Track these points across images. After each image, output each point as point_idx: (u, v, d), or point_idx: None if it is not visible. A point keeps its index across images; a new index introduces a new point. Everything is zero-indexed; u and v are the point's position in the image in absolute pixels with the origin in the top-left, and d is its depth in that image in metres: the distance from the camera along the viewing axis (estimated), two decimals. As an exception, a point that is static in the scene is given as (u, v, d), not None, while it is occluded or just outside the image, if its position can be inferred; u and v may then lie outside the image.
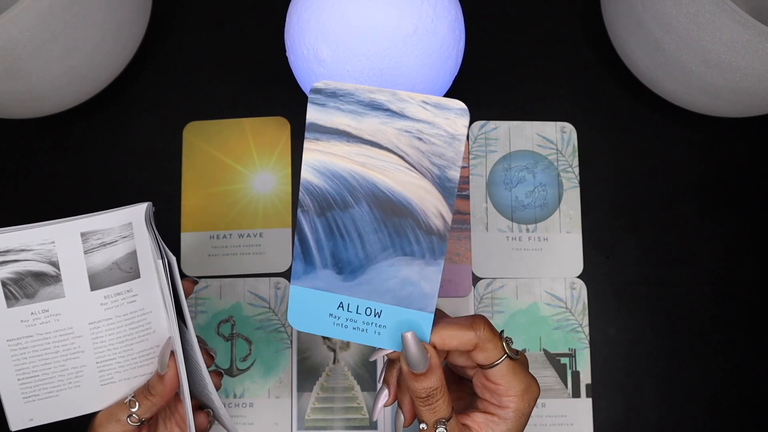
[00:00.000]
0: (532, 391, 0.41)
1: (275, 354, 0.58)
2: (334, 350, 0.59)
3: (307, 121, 0.38)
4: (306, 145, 0.38)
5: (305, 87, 0.53)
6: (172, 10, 0.63)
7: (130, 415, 0.45)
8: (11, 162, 0.62)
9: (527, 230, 0.60)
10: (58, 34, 0.49)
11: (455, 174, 0.38)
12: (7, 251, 0.41)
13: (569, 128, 0.61)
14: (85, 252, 0.42)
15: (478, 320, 0.40)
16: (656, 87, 0.58)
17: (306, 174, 0.39)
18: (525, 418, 0.41)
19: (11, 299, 0.42)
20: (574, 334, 0.59)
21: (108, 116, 0.62)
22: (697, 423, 0.58)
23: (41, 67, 0.51)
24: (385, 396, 0.44)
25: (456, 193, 0.38)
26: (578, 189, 0.60)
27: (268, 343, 0.59)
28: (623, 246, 0.60)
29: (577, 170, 0.61)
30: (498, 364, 0.40)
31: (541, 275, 0.59)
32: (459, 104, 0.37)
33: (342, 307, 0.40)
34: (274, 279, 0.59)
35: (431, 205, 0.38)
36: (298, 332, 0.59)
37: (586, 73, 0.62)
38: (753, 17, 0.48)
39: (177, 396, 0.46)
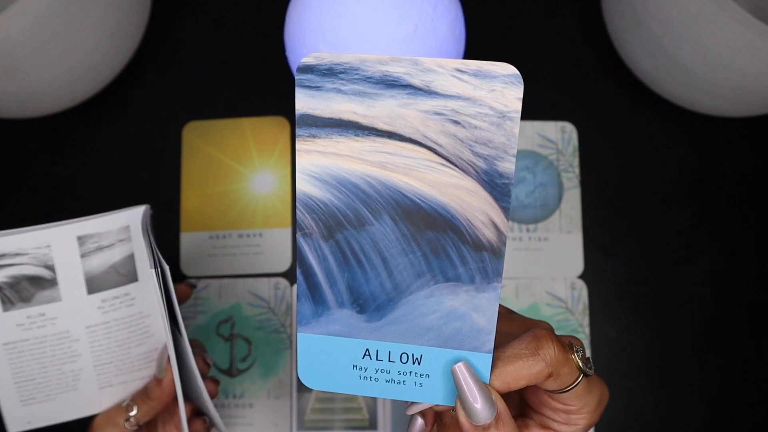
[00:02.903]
0: (604, 400, 0.34)
1: (275, 354, 0.58)
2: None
3: (296, 112, 0.28)
4: (299, 145, 0.29)
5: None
6: (172, 9, 0.63)
7: (127, 419, 0.44)
8: (9, 162, 0.62)
9: (527, 230, 0.60)
10: (57, 34, 0.49)
11: (509, 166, 0.28)
12: (3, 255, 0.41)
13: (570, 128, 0.61)
14: (82, 256, 0.42)
15: (543, 340, 0.31)
16: (657, 87, 0.58)
17: (303, 185, 0.29)
18: (591, 427, 0.34)
19: (7, 303, 0.42)
20: (575, 335, 0.58)
21: (107, 116, 0.62)
22: (697, 423, 0.58)
23: (40, 66, 0.51)
24: (419, 427, 0.35)
25: (511, 191, 0.28)
26: (579, 189, 0.60)
27: (268, 344, 0.59)
28: (623, 246, 0.60)
29: (577, 170, 0.61)
30: (573, 387, 0.32)
31: (542, 275, 0.59)
32: (508, 68, 0.27)
33: (369, 355, 0.31)
34: (273, 279, 0.59)
35: (478, 210, 0.29)
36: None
37: (586, 73, 0.62)
38: (754, 17, 0.48)
39: (175, 400, 0.46)
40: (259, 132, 0.61)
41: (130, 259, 0.43)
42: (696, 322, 0.59)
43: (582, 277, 0.59)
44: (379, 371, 0.31)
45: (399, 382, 0.31)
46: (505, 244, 0.29)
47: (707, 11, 0.47)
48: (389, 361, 0.31)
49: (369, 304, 0.31)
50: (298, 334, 0.31)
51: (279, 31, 0.55)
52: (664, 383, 0.59)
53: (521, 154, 0.61)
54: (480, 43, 0.59)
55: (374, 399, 0.58)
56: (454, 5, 0.50)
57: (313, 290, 0.31)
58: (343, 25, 0.47)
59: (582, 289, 0.59)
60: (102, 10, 0.52)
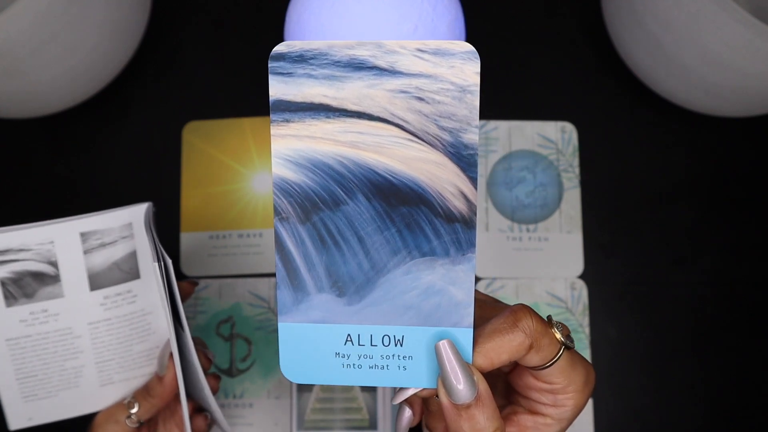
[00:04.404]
0: (591, 380, 0.33)
1: (275, 354, 0.58)
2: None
3: (270, 98, 0.29)
4: (273, 130, 0.29)
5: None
6: (172, 9, 0.63)
7: (129, 416, 0.44)
8: (10, 162, 0.62)
9: (527, 230, 0.60)
10: (57, 34, 0.49)
11: (473, 137, 0.29)
12: (6, 251, 0.41)
13: (570, 128, 0.61)
14: (85, 252, 0.42)
15: (520, 313, 0.31)
16: (656, 87, 0.58)
17: (278, 169, 0.30)
18: (580, 411, 0.34)
19: (10, 299, 0.42)
20: (575, 335, 0.58)
21: (107, 116, 0.62)
22: (697, 423, 0.58)
23: (40, 66, 0.51)
24: (408, 417, 0.34)
25: (477, 161, 0.29)
26: (579, 189, 0.60)
27: (268, 344, 0.59)
28: (623, 246, 0.60)
29: (577, 170, 0.61)
30: (555, 361, 0.32)
31: (542, 275, 0.59)
32: (465, 46, 0.29)
33: (350, 340, 0.31)
34: (273, 279, 0.59)
35: (448, 183, 0.30)
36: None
37: (586, 73, 0.62)
38: (754, 17, 0.48)
39: (177, 397, 0.46)
40: (259, 132, 0.61)
41: (133, 256, 0.43)
42: (696, 322, 0.59)
43: (582, 277, 0.59)
44: (362, 357, 0.31)
45: (383, 367, 0.31)
46: (475, 214, 0.30)
47: (707, 11, 0.47)
48: (371, 345, 0.31)
49: (348, 286, 0.31)
50: (279, 324, 0.31)
51: (279, 31, 0.55)
52: (664, 383, 0.59)
53: (521, 154, 0.61)
54: (480, 43, 0.59)
55: (374, 399, 0.58)
56: (454, 5, 0.50)
57: (292, 276, 0.31)
58: (343, 25, 0.47)
59: (582, 289, 0.59)
60: (102, 10, 0.52)
